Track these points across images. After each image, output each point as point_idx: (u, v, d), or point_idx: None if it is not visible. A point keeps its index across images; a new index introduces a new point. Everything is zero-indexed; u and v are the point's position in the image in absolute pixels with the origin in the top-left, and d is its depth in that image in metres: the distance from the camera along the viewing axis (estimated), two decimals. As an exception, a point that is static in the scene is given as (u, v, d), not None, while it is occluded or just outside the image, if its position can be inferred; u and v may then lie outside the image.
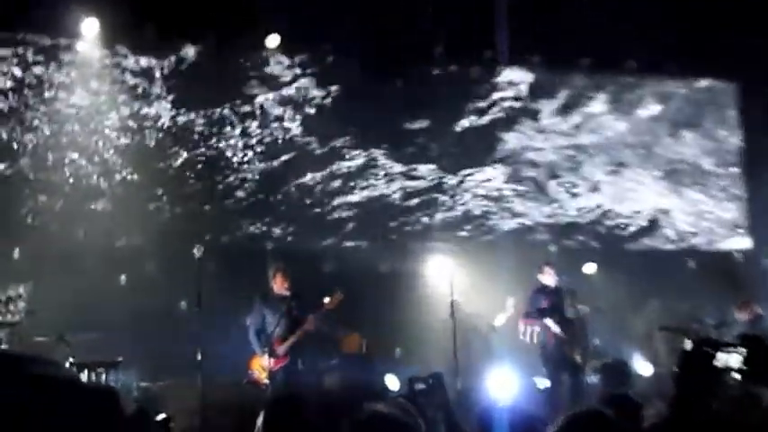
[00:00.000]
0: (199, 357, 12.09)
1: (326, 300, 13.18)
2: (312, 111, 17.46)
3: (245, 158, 17.05)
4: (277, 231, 17.26)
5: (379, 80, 17.29)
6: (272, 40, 16.78)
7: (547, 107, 19.09)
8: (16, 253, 14.97)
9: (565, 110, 19.03)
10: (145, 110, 16.45)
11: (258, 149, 17.16)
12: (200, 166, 16.84)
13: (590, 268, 17.98)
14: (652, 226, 19.48)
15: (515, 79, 18.85)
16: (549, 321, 13.89)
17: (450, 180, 18.29)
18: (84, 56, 15.97)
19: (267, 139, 17.25)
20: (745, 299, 15.35)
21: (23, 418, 1.91)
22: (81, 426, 1.98)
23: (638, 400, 6.90)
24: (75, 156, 15.92)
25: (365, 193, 17.83)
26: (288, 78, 17.37)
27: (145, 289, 15.33)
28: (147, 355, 15.20)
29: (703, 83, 20.11)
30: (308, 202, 17.51)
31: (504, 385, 13.54)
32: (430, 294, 15.90)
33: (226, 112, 16.89)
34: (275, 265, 13.63)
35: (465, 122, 18.40)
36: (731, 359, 10.55)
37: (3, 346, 12.03)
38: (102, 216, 16.10)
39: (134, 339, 14.76)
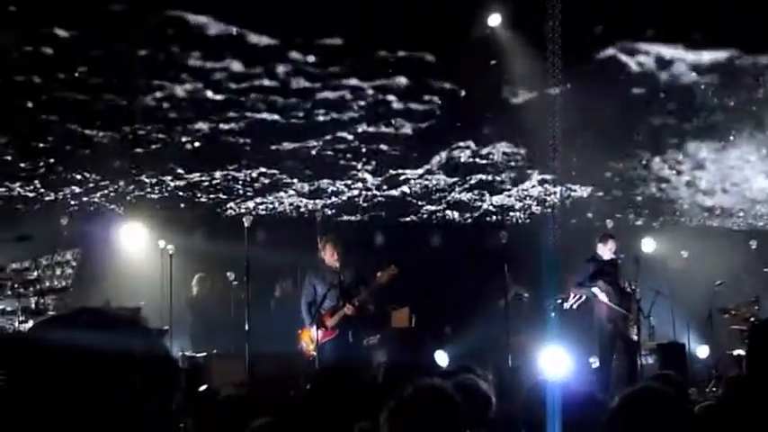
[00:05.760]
0: (246, 328, 11.89)
1: (379, 274, 12.86)
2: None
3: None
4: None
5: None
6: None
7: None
8: (65, 219, 14.90)
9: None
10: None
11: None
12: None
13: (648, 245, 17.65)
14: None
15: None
16: (596, 289, 13.55)
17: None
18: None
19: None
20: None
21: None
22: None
23: (680, 380, 6.60)
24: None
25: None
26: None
27: (192, 259, 15.23)
28: (193, 324, 15.16)
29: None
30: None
31: (557, 363, 13.26)
32: (484, 271, 15.57)
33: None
34: (325, 236, 13.41)
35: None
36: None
37: (50, 312, 11.90)
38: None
39: (181, 309, 14.68)
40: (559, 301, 14.84)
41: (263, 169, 15.98)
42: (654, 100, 16.30)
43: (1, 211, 14.45)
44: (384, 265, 12.95)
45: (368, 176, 16.79)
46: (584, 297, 13.81)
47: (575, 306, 13.93)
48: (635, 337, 13.39)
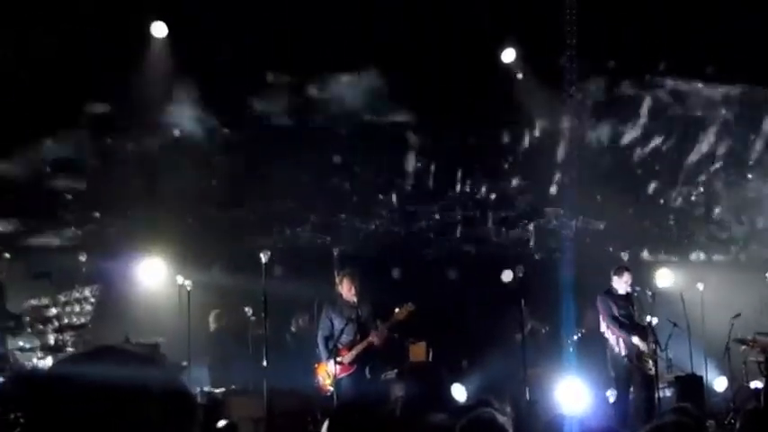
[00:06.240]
0: (264, 363, 11.91)
1: (397, 310, 12.87)
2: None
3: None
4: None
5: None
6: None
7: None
8: (83, 256, 14.96)
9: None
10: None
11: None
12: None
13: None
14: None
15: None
16: (636, 340, 13.43)
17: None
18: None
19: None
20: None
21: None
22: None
23: (698, 413, 6.58)
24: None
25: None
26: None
27: (210, 293, 15.25)
28: (211, 360, 15.18)
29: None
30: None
31: (574, 397, 13.21)
32: (500, 304, 15.53)
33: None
34: (342, 270, 13.41)
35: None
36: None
37: (68, 349, 11.95)
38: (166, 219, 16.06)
39: (199, 344, 14.69)
40: (577, 335, 14.83)
41: (279, 204, 16.06)
42: (667, 133, 16.36)
43: (19, 248, 14.52)
44: (402, 301, 12.96)
45: (384, 211, 16.87)
46: (623, 342, 13.63)
47: (619, 350, 13.70)
48: (651, 371, 13.33)
